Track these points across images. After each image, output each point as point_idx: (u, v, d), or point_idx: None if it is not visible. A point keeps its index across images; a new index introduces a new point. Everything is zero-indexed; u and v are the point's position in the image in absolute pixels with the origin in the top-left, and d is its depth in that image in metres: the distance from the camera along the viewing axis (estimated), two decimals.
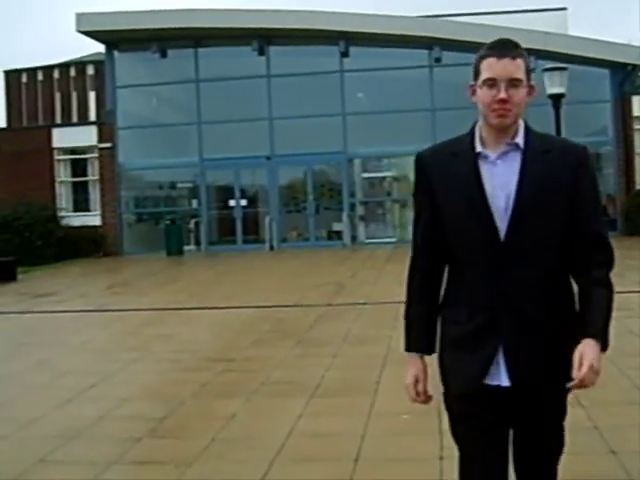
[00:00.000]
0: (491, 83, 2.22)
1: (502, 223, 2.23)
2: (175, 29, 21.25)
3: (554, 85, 14.56)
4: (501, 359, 2.27)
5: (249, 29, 21.08)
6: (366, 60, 21.71)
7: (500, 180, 2.25)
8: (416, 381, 2.39)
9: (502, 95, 2.20)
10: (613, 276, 2.32)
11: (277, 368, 6.79)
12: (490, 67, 2.23)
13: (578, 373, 2.18)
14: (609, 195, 21.49)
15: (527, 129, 2.32)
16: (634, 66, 21.25)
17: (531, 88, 2.30)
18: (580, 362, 2.19)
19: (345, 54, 21.61)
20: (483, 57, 2.27)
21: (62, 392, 6.23)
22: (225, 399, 5.84)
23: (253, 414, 5.43)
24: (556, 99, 14.48)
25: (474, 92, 2.31)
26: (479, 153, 2.29)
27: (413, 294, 2.43)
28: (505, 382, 2.27)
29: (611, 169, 21.57)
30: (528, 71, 2.28)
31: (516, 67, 2.23)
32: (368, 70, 21.71)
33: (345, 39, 21.27)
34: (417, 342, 2.41)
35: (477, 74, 2.28)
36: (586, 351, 2.20)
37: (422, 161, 2.40)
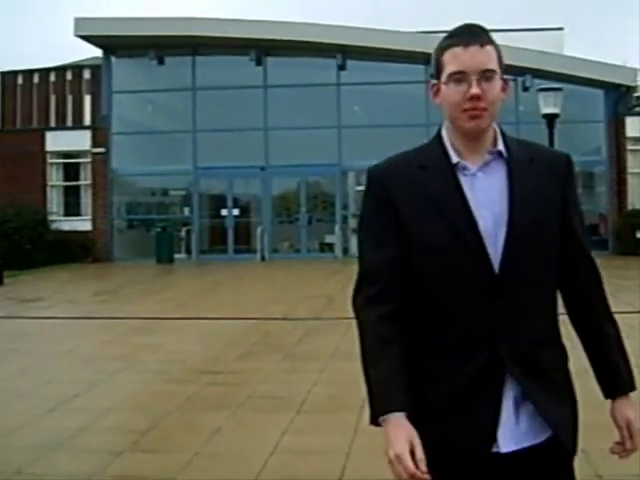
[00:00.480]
0: (459, 77, 1.82)
1: (493, 249, 1.82)
2: (173, 37, 21.29)
3: (548, 105, 14.65)
4: (510, 416, 1.82)
5: (247, 39, 21.11)
6: (363, 74, 21.79)
7: (483, 196, 1.84)
8: (411, 448, 1.74)
9: (474, 90, 1.80)
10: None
11: (263, 382, 6.73)
12: (456, 58, 1.83)
13: (632, 444, 1.92)
14: (601, 215, 21.58)
15: (503, 135, 1.94)
16: (628, 87, 21.40)
17: (505, 83, 1.89)
18: (629, 431, 1.92)
19: (342, 67, 21.68)
20: (445, 48, 1.87)
21: (45, 401, 6.14)
22: (210, 412, 5.77)
23: (238, 429, 5.36)
24: (550, 119, 14.55)
25: (437, 92, 1.91)
26: (456, 164, 1.87)
27: (381, 343, 1.84)
28: (512, 446, 1.82)
29: (603, 188, 21.67)
30: (501, 61, 1.88)
31: (487, 56, 1.83)
32: (365, 84, 21.81)
33: (343, 52, 21.34)
34: (402, 398, 1.79)
35: (439, 69, 1.89)
36: (630, 415, 1.92)
37: (380, 176, 1.93)
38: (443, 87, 1.87)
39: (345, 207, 22.42)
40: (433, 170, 1.88)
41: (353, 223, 22.35)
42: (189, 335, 9.36)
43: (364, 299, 1.92)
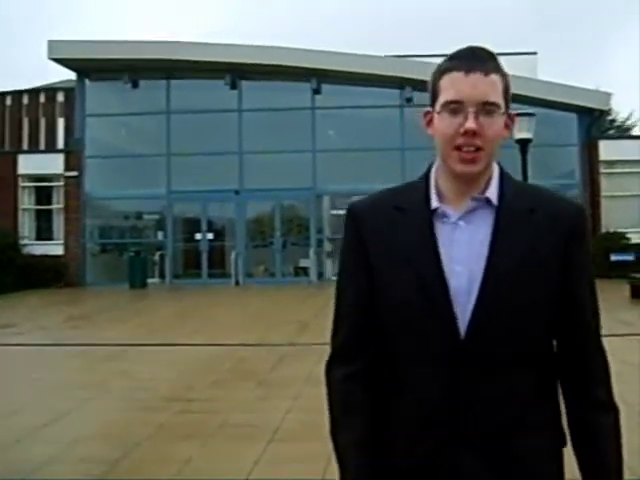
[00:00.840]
0: (454, 107, 1.57)
1: (463, 313, 1.58)
2: (148, 60, 21.27)
3: (522, 130, 14.73)
4: None
5: (222, 63, 21.14)
6: (338, 98, 21.90)
7: (461, 250, 1.60)
8: None
9: (470, 124, 1.55)
10: None
11: (236, 410, 6.62)
12: (454, 85, 1.58)
13: None
14: None
15: (502, 177, 1.67)
16: (602, 111, 21.69)
17: (509, 118, 1.65)
18: None
19: (317, 91, 21.77)
20: (444, 71, 1.62)
21: (12, 431, 6.00)
22: (182, 442, 5.66)
23: (209, 458, 5.26)
24: (523, 144, 14.65)
25: (430, 121, 1.66)
26: (435, 210, 1.63)
27: (346, 407, 1.69)
28: None
29: None
30: (507, 94, 1.63)
31: (490, 86, 1.58)
32: (339, 108, 21.92)
33: (317, 76, 21.43)
34: (367, 470, 1.66)
35: (435, 96, 1.63)
36: None
37: (355, 215, 1.72)
38: (436, 117, 1.62)
39: (320, 231, 22.39)
40: (410, 214, 1.65)
41: (328, 247, 22.34)
42: (162, 362, 9.22)
43: (331, 355, 1.76)
